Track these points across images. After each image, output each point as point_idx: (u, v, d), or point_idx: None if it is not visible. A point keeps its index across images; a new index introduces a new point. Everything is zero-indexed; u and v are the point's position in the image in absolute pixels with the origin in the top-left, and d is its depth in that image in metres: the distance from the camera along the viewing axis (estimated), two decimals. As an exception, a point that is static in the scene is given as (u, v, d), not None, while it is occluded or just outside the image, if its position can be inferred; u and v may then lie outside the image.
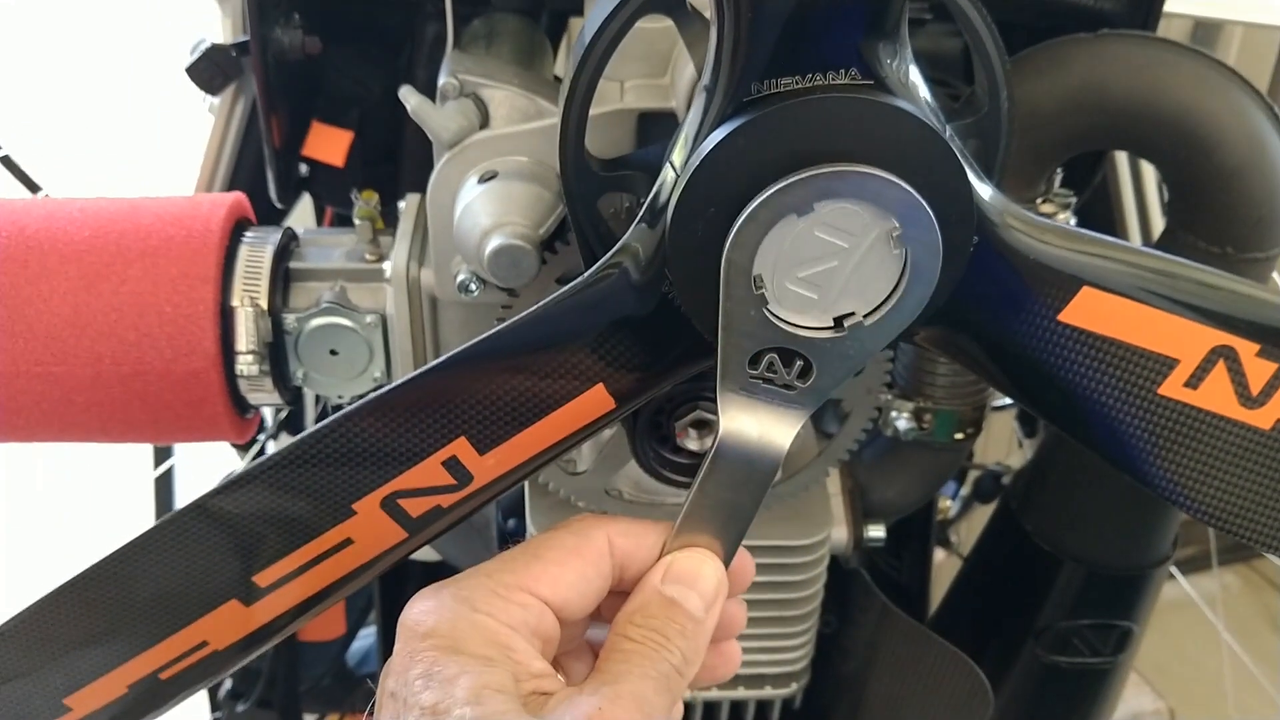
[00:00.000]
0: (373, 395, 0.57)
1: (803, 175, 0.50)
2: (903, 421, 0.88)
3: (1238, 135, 0.73)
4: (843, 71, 0.50)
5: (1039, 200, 0.81)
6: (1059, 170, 0.82)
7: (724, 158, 0.51)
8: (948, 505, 1.38)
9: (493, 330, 0.56)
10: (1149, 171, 1.01)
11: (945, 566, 1.32)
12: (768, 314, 0.52)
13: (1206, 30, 1.93)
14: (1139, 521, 0.93)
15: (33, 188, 1.02)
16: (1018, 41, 0.83)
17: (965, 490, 1.40)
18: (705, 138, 0.51)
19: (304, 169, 1.00)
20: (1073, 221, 0.81)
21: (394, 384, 0.57)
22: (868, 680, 0.96)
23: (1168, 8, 0.91)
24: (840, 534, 0.92)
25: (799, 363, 0.54)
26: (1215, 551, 1.34)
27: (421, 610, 0.53)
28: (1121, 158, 0.98)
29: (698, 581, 0.55)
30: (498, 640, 0.52)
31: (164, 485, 1.30)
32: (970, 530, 1.40)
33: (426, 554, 1.16)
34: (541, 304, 0.56)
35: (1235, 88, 0.74)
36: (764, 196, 0.50)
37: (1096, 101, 0.75)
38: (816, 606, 0.89)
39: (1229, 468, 0.59)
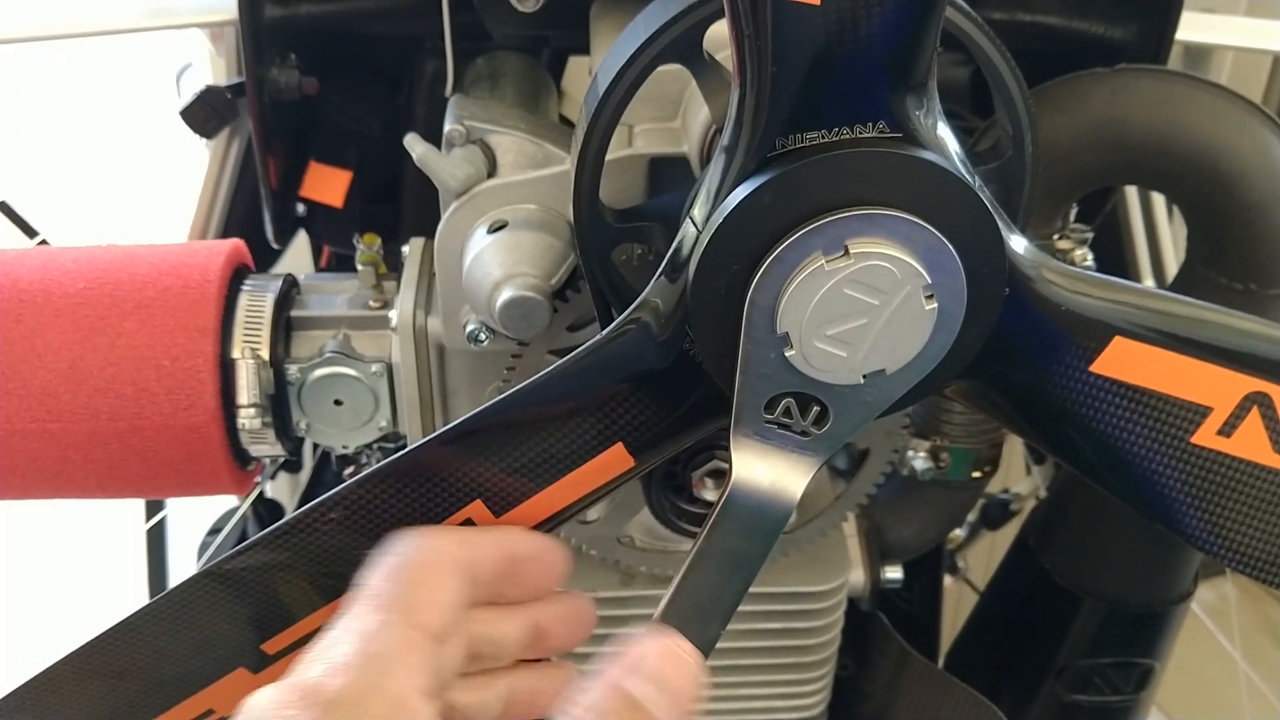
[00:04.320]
0: (386, 461, 0.55)
1: (831, 218, 0.48)
2: (919, 461, 0.86)
3: (1260, 170, 0.72)
4: (870, 124, 0.48)
5: (1055, 236, 0.79)
6: (1074, 205, 0.81)
7: (748, 214, 0.49)
8: (956, 533, 1.36)
9: (509, 392, 0.54)
10: (1159, 202, 1.00)
11: (952, 592, 1.31)
12: (787, 358, 0.50)
13: (1195, 56, 1.93)
14: (1160, 558, 0.91)
15: (30, 233, 1.00)
16: (1027, 69, 0.82)
17: (973, 517, 1.38)
18: (728, 194, 0.50)
19: (301, 208, 0.98)
20: (1091, 257, 0.79)
21: (408, 449, 0.55)
22: (886, 724, 0.94)
23: (1208, 39, 0.90)
24: (857, 576, 0.90)
25: (815, 408, 0.53)
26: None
27: None
28: (1131, 189, 0.97)
29: (669, 682, 0.49)
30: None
31: (156, 537, 1.28)
32: (976, 557, 1.39)
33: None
34: (559, 363, 0.54)
35: (1256, 122, 0.73)
36: (791, 239, 0.48)
37: (1115, 137, 0.74)
38: (834, 651, 0.87)
39: (1266, 516, 0.58)
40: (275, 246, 0.99)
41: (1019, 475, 1.35)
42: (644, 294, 0.53)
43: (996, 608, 1.05)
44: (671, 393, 0.55)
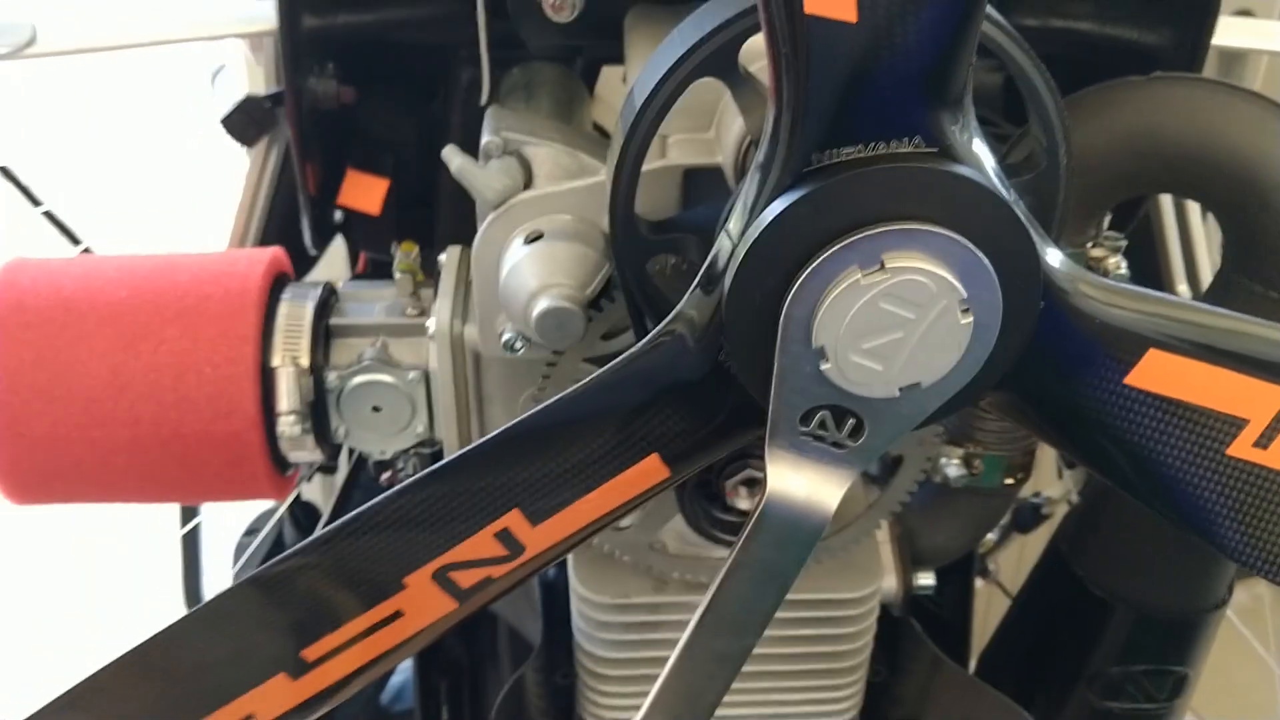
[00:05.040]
0: (426, 471, 0.56)
1: (867, 233, 0.49)
2: (952, 468, 0.86)
3: (1297, 179, 0.72)
4: (906, 140, 0.49)
5: (1089, 244, 0.79)
6: (1108, 213, 0.80)
7: (784, 228, 0.50)
8: (987, 537, 1.36)
9: (546, 403, 0.55)
10: (1194, 209, 1.00)
11: (982, 595, 1.30)
12: (823, 371, 0.51)
13: (1229, 60, 1.91)
14: (1194, 565, 0.91)
15: (74, 240, 1.01)
16: (1060, 75, 0.82)
17: (1005, 520, 1.38)
18: (764, 208, 0.50)
19: (338, 215, 1.00)
20: (1125, 265, 0.79)
21: (447, 460, 0.56)
22: (919, 730, 0.94)
23: (1245, 43, 0.89)
24: (890, 583, 0.90)
25: (851, 421, 0.53)
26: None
27: None
28: (1166, 197, 0.97)
29: None
30: None
31: (190, 543, 1.30)
32: (1007, 560, 1.38)
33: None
34: (595, 374, 0.55)
35: (1293, 130, 0.72)
36: (828, 253, 0.49)
37: (1150, 146, 0.74)
38: (866, 658, 0.87)
39: (1301, 527, 0.58)
40: (313, 253, 1.00)
41: (1050, 479, 1.34)
42: (679, 306, 0.54)
43: (1029, 614, 1.05)
44: (706, 404, 0.56)
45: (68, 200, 1.05)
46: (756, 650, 0.85)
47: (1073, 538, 0.96)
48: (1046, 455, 1.40)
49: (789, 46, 0.47)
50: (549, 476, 0.56)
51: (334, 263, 1.14)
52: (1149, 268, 1.04)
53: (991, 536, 1.37)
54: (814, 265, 0.49)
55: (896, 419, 0.53)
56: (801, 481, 0.54)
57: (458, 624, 1.25)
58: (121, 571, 1.74)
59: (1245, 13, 1.97)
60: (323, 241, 0.98)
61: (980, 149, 0.50)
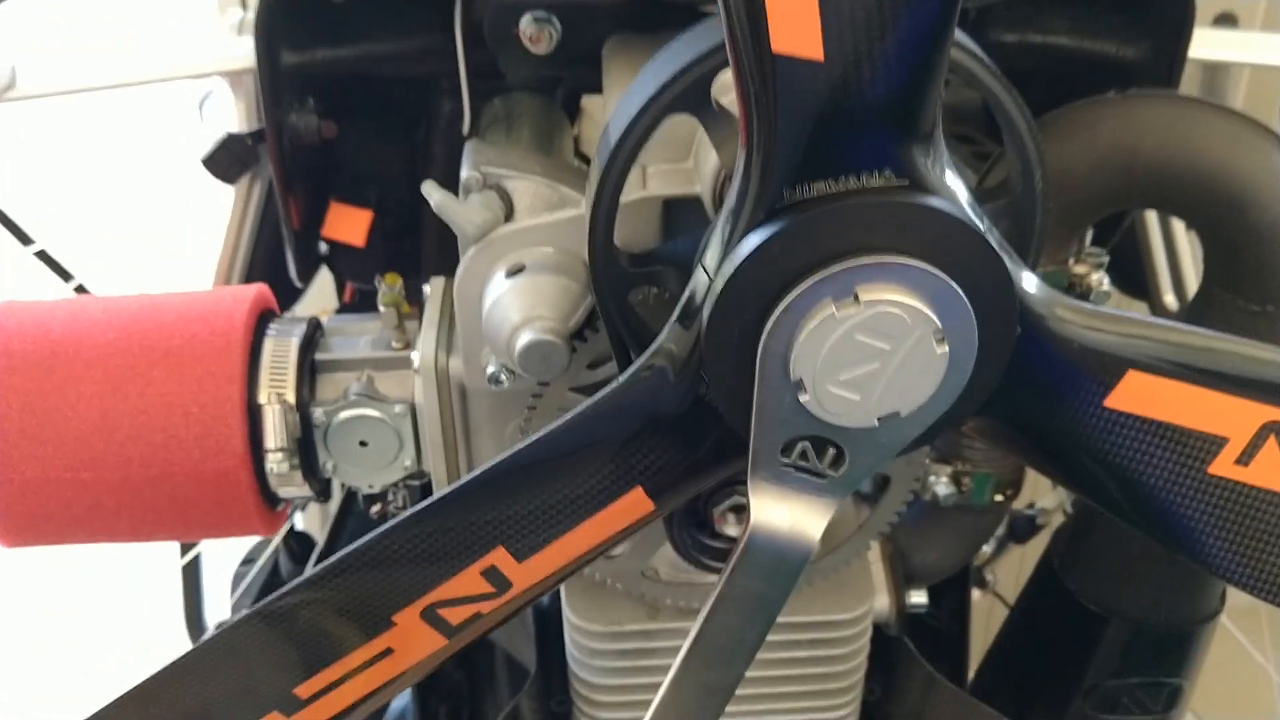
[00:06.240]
0: (410, 511, 0.56)
1: (840, 267, 0.49)
2: (942, 486, 0.87)
3: (1273, 192, 0.72)
4: (877, 173, 0.49)
5: (1071, 261, 0.79)
6: (1089, 229, 0.81)
7: (759, 264, 0.50)
8: (984, 548, 1.36)
9: (527, 440, 0.55)
10: (1179, 223, 1.00)
11: (981, 606, 1.31)
12: (802, 402, 0.51)
13: (1213, 74, 1.92)
14: (1186, 578, 0.91)
15: (66, 277, 1.02)
16: (1040, 90, 0.82)
17: (1001, 531, 1.38)
18: (738, 243, 0.50)
19: (324, 246, 1.00)
20: (1107, 281, 0.79)
21: (430, 500, 0.56)
22: (915, 749, 0.94)
23: (1222, 55, 0.90)
24: (882, 602, 0.90)
25: (832, 451, 0.53)
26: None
27: None
28: (1151, 212, 0.97)
29: None
30: None
31: (191, 573, 1.30)
32: (1005, 570, 1.38)
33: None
34: (576, 410, 0.55)
35: (1269, 144, 0.73)
36: (803, 287, 0.49)
37: (1127, 163, 0.74)
38: (860, 678, 0.87)
39: (1286, 543, 0.58)
40: (299, 285, 1.00)
41: (1045, 490, 1.35)
42: (658, 341, 0.54)
43: (1024, 628, 1.05)
44: (688, 437, 0.56)
45: (59, 234, 1.05)
46: (751, 673, 0.85)
47: (1065, 552, 0.97)
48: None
49: (758, 85, 0.47)
50: (532, 514, 0.56)
51: (322, 293, 1.15)
52: (1136, 282, 1.04)
53: (988, 548, 1.38)
54: (789, 299, 0.50)
55: (876, 448, 0.53)
56: (785, 512, 0.55)
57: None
58: (124, 602, 1.74)
59: (1227, 17, 1.97)
60: (308, 274, 0.98)
61: (952, 180, 0.50)
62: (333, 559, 0.57)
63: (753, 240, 0.50)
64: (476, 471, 0.55)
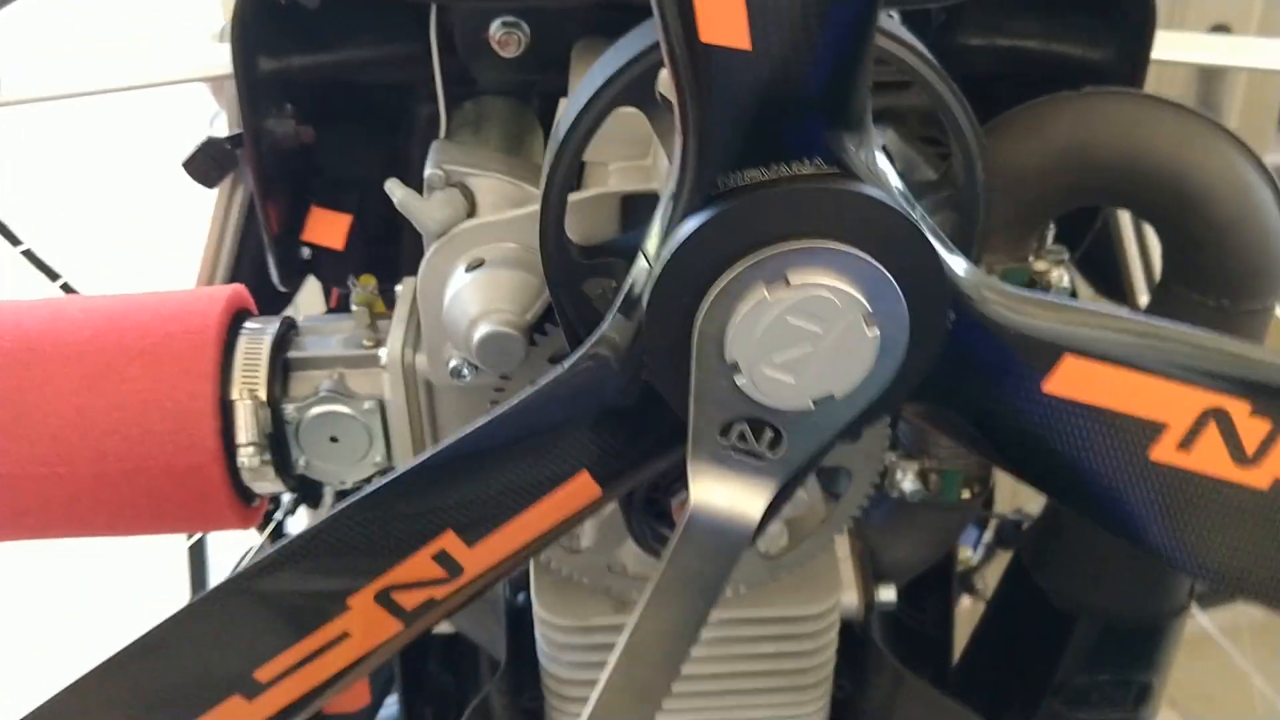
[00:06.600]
0: (358, 495, 0.58)
1: (771, 252, 0.50)
2: (908, 483, 0.87)
3: (1227, 188, 0.73)
4: (807, 161, 0.50)
5: (1031, 258, 0.81)
6: (1051, 227, 0.82)
7: (693, 250, 0.51)
8: (969, 555, 1.37)
9: (471, 426, 0.56)
10: (1150, 223, 1.01)
11: (973, 613, 1.31)
12: (738, 384, 0.52)
13: (1209, 77, 1.92)
14: (1153, 572, 0.91)
15: (53, 276, 1.04)
16: (1008, 93, 0.83)
17: (988, 538, 1.39)
18: (675, 230, 0.52)
19: (307, 252, 1.01)
20: (1067, 278, 0.80)
21: (378, 484, 0.57)
22: (885, 745, 0.95)
23: (1169, 55, 0.90)
24: (850, 599, 0.91)
25: (769, 433, 0.55)
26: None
27: None
28: (1124, 212, 0.98)
29: None
30: None
31: (198, 554, 1.32)
32: (995, 577, 1.39)
33: (442, 626, 1.17)
34: (519, 397, 0.56)
35: (1221, 141, 0.74)
36: (736, 271, 0.50)
37: (1083, 160, 0.75)
38: (829, 674, 0.88)
39: (1229, 529, 0.59)
40: (283, 290, 1.02)
41: (1030, 494, 1.35)
42: (601, 329, 0.55)
43: (995, 627, 1.06)
44: (632, 422, 0.57)
45: (53, 236, 1.07)
46: (720, 669, 0.87)
47: (1034, 549, 0.97)
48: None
49: (689, 74, 0.48)
50: (479, 498, 0.58)
51: (312, 301, 1.17)
52: (1111, 282, 1.05)
53: (976, 555, 1.39)
54: (723, 283, 0.51)
55: (813, 430, 0.55)
56: (725, 492, 0.56)
57: (441, 652, 1.26)
58: (129, 587, 1.76)
59: (1222, 28, 1.98)
60: (291, 279, 0.99)
61: (882, 166, 0.52)
62: (287, 541, 0.58)
63: (688, 226, 0.51)
64: (423, 455, 0.57)
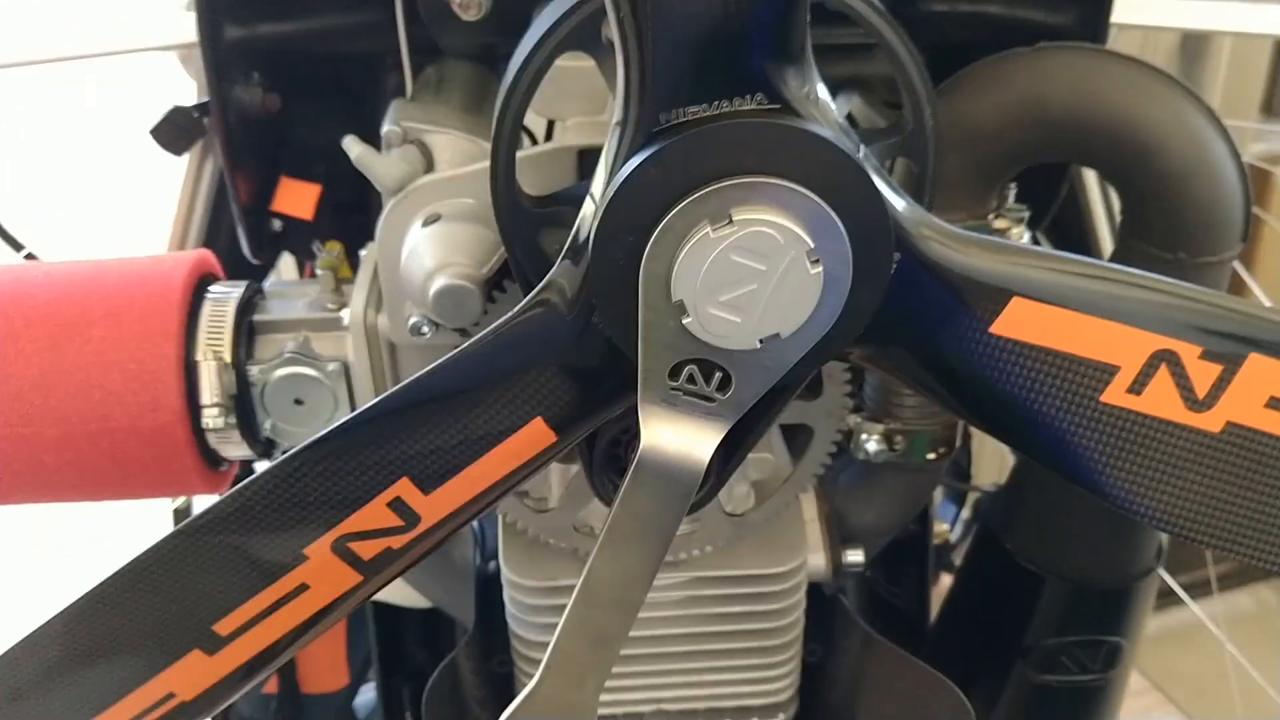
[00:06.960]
0: (314, 438, 0.58)
1: (714, 187, 0.50)
2: (873, 444, 0.88)
3: (1179, 140, 0.73)
4: (749, 97, 0.51)
5: (991, 216, 0.81)
6: (1012, 185, 0.82)
7: (637, 186, 0.51)
8: (945, 529, 1.37)
9: (422, 371, 0.56)
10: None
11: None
12: (685, 325, 0.52)
13: (1196, 42, 1.92)
14: (1120, 533, 0.92)
15: (17, 247, 1.04)
16: (971, 59, 0.83)
17: (966, 513, 1.39)
18: (618, 170, 0.52)
19: (278, 224, 1.02)
20: (1027, 236, 0.81)
21: (331, 428, 0.58)
22: (855, 708, 0.95)
23: (1132, 19, 0.91)
24: (818, 560, 0.91)
25: (718, 374, 0.55)
26: (1214, 578, 1.32)
27: None
28: (1089, 170, 0.98)
29: None
30: None
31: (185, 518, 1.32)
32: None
33: (418, 600, 1.17)
34: (468, 343, 0.56)
35: (1174, 93, 0.74)
36: (678, 209, 0.51)
37: (1037, 115, 0.76)
38: (798, 635, 0.88)
39: (1181, 473, 0.59)
40: (255, 261, 1.02)
41: (1009, 469, 1.35)
42: (550, 274, 0.56)
43: (965, 593, 1.06)
44: (584, 368, 0.57)
45: (9, 205, 1.07)
46: (688, 629, 0.87)
47: (1001, 513, 0.98)
48: (1000, 447, 1.41)
49: (628, 8, 0.49)
50: (434, 445, 0.58)
51: (291, 274, 1.17)
52: (1080, 243, 1.05)
53: (954, 530, 1.39)
54: (666, 221, 0.51)
55: (761, 370, 0.55)
56: (674, 435, 0.56)
57: (419, 631, 1.25)
58: (116, 545, 1.76)
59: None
60: (261, 250, 1.00)
61: (824, 103, 0.52)
62: (238, 487, 0.59)
63: (631, 164, 0.51)
64: (371, 403, 0.57)
